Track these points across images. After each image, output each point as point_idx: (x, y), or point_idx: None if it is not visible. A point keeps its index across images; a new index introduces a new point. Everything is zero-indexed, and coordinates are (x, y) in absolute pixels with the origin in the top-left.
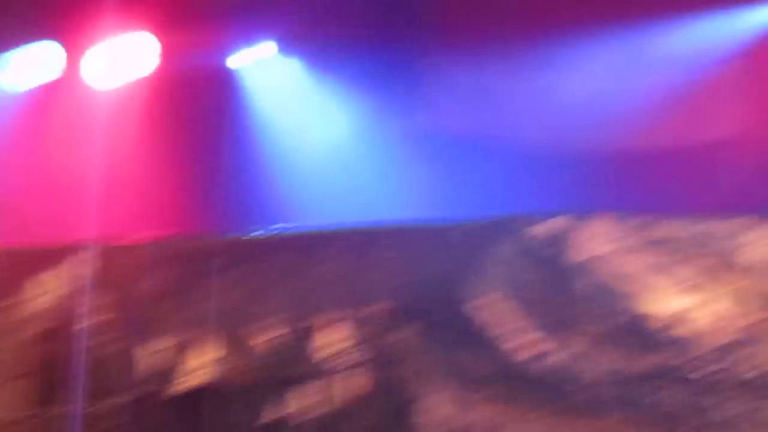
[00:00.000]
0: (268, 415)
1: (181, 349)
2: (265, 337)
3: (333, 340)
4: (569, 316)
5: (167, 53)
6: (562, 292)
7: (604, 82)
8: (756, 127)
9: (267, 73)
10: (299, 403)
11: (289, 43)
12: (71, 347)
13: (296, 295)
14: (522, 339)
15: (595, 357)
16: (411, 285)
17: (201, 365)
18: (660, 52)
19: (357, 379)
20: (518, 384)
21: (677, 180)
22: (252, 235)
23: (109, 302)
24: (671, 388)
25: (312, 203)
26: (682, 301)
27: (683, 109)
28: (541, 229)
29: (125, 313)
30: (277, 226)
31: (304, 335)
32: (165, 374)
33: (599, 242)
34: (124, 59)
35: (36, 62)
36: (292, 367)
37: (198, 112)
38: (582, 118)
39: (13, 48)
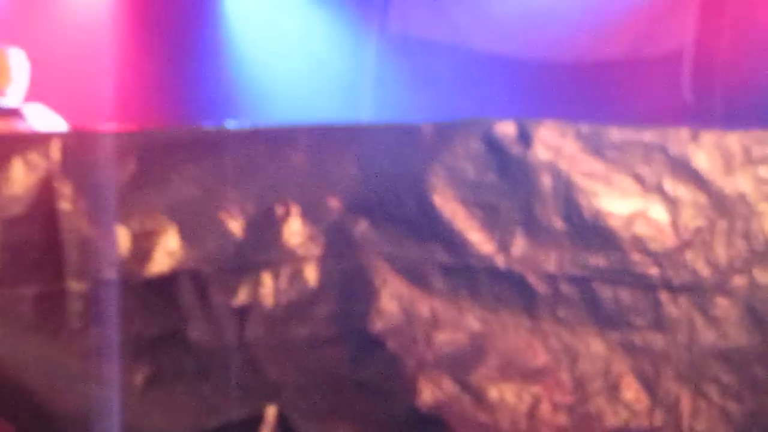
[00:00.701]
0: (242, 298)
1: (153, 234)
2: (235, 224)
3: (296, 230)
4: (536, 211)
5: None
6: (529, 188)
7: None
8: (699, 41)
9: None
10: (270, 287)
11: None
12: (44, 230)
13: (263, 185)
14: (487, 232)
15: (558, 251)
16: (376, 179)
17: (174, 250)
18: None
19: (322, 265)
20: (481, 275)
21: (628, 89)
22: (221, 127)
23: (81, 188)
24: (629, 283)
25: (283, 101)
26: (641, 201)
27: (634, 20)
28: (508, 129)
29: (97, 199)
30: (247, 120)
31: (270, 224)
32: (141, 257)
33: (561, 143)
34: None
35: None
36: (261, 253)
37: (176, 8)
38: (545, 26)
39: None
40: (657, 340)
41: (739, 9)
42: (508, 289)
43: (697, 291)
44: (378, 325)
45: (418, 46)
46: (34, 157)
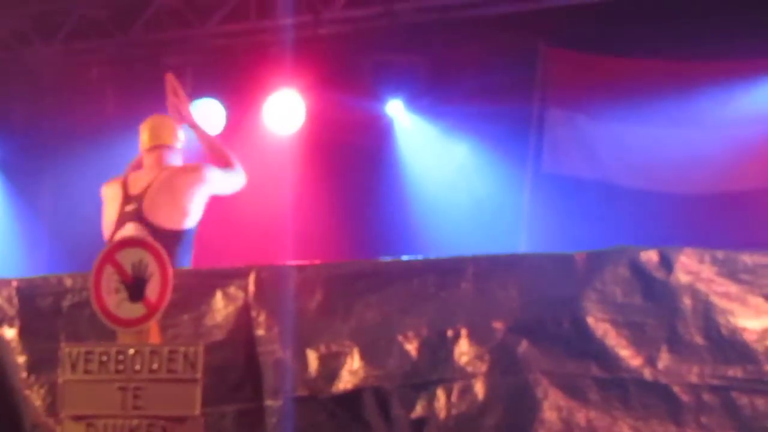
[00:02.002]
0: (419, 411)
1: (339, 355)
2: (411, 346)
3: (465, 350)
4: (678, 328)
5: (317, 105)
6: (671, 308)
7: (699, 136)
8: None
9: (401, 124)
10: (443, 401)
11: (417, 98)
12: (243, 354)
13: (433, 311)
14: (635, 348)
15: (700, 364)
16: (535, 303)
17: (358, 369)
18: (740, 111)
19: (489, 381)
20: (631, 387)
21: (759, 217)
22: (397, 259)
23: (274, 316)
24: (764, 391)
25: (444, 237)
26: None
27: (758, 158)
28: (652, 256)
29: (289, 325)
30: (419, 253)
31: (442, 345)
32: (329, 376)
33: (699, 268)
34: (285, 112)
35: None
36: (435, 371)
37: (349, 156)
38: (682, 164)
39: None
40: None
41: None
42: (656, 399)
43: None
44: None
45: (568, 183)
46: (233, 290)
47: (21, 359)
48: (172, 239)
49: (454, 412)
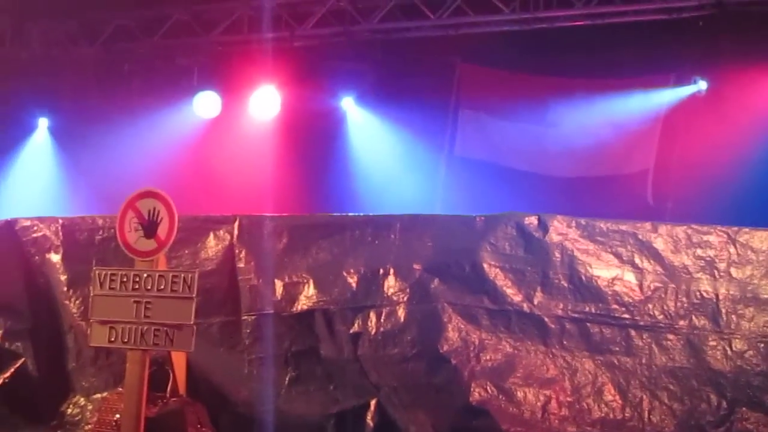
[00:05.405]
0: (356, 328)
1: (298, 284)
2: (352, 279)
3: (392, 284)
4: (550, 275)
5: (289, 99)
6: (545, 260)
7: (568, 133)
8: (659, 164)
9: (351, 115)
10: (374, 321)
11: (364, 96)
12: (227, 280)
13: (369, 254)
14: (517, 288)
15: (564, 301)
16: (444, 252)
17: (312, 295)
18: (599, 117)
19: (408, 307)
20: (513, 316)
21: (612, 195)
22: (344, 215)
23: (252, 253)
24: (610, 323)
25: (380, 199)
26: (619, 270)
27: (617, 149)
28: (532, 220)
29: (262, 260)
30: (360, 210)
31: (375, 279)
32: (290, 299)
33: (567, 231)
34: (265, 103)
35: (207, 104)
36: (369, 298)
37: (312, 137)
38: (554, 154)
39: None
40: (627, 362)
41: (682, 144)
42: (531, 326)
43: (655, 329)
44: (445, 348)
45: (473, 164)
46: (222, 232)
47: (63, 277)
48: None
49: (381, 329)
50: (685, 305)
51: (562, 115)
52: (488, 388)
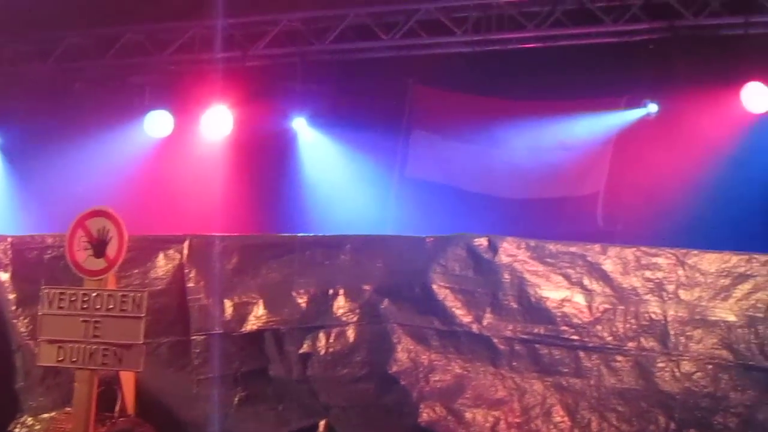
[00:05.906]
0: (305, 348)
1: (248, 304)
2: (302, 300)
3: (342, 304)
4: (499, 296)
5: (242, 119)
6: (495, 281)
7: (519, 155)
8: (609, 187)
9: (303, 135)
10: (323, 342)
11: (316, 117)
12: (177, 300)
13: (319, 274)
14: (466, 309)
15: (513, 322)
16: (395, 272)
17: (262, 315)
18: (550, 139)
19: (358, 328)
20: (463, 337)
21: (563, 217)
22: (294, 235)
23: (201, 273)
24: (559, 345)
25: (330, 220)
26: (568, 291)
27: (569, 172)
28: (482, 242)
29: (212, 280)
30: (310, 231)
31: (325, 300)
32: (240, 320)
33: (516, 252)
34: (217, 122)
35: (159, 123)
36: (318, 319)
37: (264, 157)
38: (505, 175)
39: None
40: (576, 383)
41: (633, 167)
42: (481, 347)
43: (603, 351)
44: (394, 369)
45: (424, 186)
46: (172, 252)
47: (11, 296)
48: None
49: (331, 350)
50: (634, 327)
51: (513, 137)
52: (437, 409)
